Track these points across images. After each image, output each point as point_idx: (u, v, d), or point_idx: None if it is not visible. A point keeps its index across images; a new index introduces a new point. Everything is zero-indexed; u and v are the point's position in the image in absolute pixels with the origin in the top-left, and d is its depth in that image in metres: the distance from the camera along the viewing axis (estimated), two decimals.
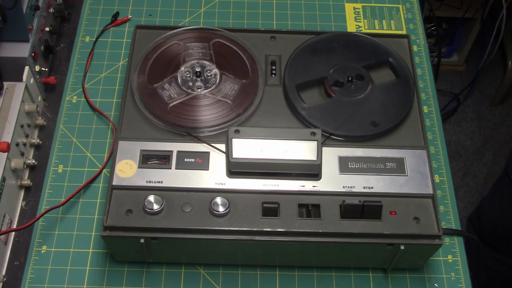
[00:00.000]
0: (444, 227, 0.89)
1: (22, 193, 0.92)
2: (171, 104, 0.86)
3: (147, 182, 0.79)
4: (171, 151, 0.82)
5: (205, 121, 0.84)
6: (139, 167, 0.81)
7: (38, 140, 0.96)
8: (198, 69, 0.89)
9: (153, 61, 0.90)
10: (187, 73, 0.89)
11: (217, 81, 0.89)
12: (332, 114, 0.86)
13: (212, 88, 0.88)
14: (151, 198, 0.77)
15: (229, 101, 0.87)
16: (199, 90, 0.88)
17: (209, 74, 0.89)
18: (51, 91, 1.04)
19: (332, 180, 0.81)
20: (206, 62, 0.91)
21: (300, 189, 0.80)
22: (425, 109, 1.01)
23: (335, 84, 0.89)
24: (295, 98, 0.87)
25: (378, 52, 0.94)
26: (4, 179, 0.84)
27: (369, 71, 0.91)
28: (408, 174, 0.82)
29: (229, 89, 0.88)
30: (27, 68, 0.94)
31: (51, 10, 1.05)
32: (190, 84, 0.88)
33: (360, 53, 0.93)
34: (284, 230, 0.76)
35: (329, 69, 0.90)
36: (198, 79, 0.89)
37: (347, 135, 0.84)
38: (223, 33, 0.94)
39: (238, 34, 0.94)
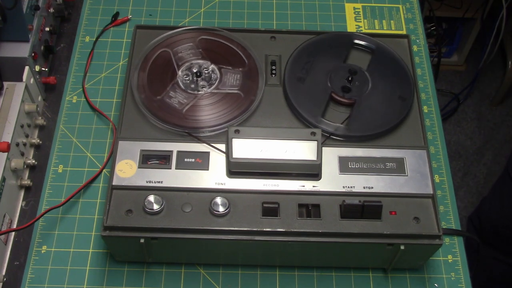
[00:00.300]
0: (444, 227, 0.89)
1: (22, 193, 0.92)
2: (184, 110, 0.86)
3: (147, 182, 0.79)
4: (171, 151, 0.82)
5: (206, 121, 0.84)
6: (139, 167, 0.81)
7: (38, 140, 0.96)
8: (195, 70, 0.89)
9: (148, 74, 0.89)
10: (186, 76, 0.89)
11: (218, 76, 0.89)
12: (368, 116, 0.86)
13: (216, 84, 0.88)
14: (151, 198, 0.77)
15: (237, 91, 0.87)
16: (204, 89, 0.88)
17: (207, 71, 0.89)
18: (51, 91, 1.04)
19: (332, 180, 0.81)
20: (200, 61, 0.91)
21: (300, 189, 0.80)
22: (425, 109, 1.01)
23: (344, 91, 0.88)
24: (330, 126, 0.85)
25: (342, 41, 0.94)
26: (4, 179, 0.84)
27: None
28: (408, 174, 0.82)
29: (233, 80, 0.88)
30: (27, 68, 0.94)
31: (51, 10, 1.05)
32: (193, 86, 0.88)
33: (331, 51, 0.93)
34: (284, 230, 0.76)
35: (325, 81, 0.89)
36: (199, 79, 0.89)
37: (347, 135, 0.85)
38: (205, 29, 0.94)
39: (238, 34, 0.94)
